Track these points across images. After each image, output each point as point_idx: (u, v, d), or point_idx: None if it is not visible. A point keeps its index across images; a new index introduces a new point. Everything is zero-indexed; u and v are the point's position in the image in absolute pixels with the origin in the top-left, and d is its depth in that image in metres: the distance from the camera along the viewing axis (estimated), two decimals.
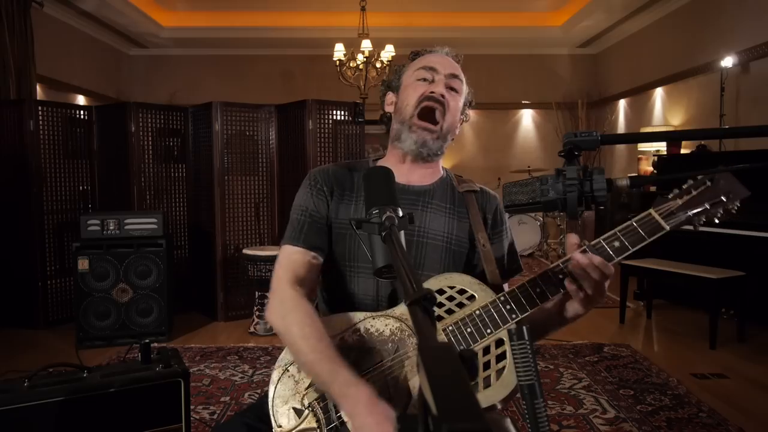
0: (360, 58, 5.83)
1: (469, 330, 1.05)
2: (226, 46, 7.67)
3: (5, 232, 3.99)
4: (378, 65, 5.92)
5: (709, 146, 4.95)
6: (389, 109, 1.33)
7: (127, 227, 3.53)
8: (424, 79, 1.26)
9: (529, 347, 0.93)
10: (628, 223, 1.00)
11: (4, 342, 3.64)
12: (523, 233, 6.84)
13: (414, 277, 0.62)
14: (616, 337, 3.63)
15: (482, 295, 1.09)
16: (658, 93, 6.35)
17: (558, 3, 6.96)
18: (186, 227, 4.44)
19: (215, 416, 2.51)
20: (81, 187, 4.21)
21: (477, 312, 1.06)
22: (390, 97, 1.34)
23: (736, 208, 0.99)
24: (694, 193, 0.99)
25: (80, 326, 3.44)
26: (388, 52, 5.84)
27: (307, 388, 1.10)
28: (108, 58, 7.40)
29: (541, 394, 0.92)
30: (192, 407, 2.32)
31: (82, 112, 4.31)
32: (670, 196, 1.01)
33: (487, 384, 1.00)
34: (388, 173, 0.92)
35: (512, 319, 1.03)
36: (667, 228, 0.99)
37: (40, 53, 5.27)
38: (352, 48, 5.81)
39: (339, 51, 5.73)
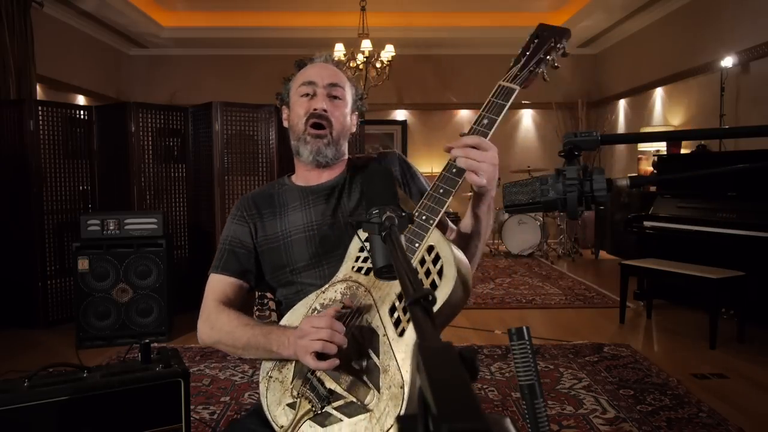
0: (360, 58, 5.83)
1: None
2: (226, 46, 7.67)
3: (5, 232, 3.99)
4: (378, 65, 5.91)
5: (709, 146, 4.95)
6: (285, 124, 1.44)
7: (127, 227, 3.53)
8: (306, 94, 1.34)
9: (529, 347, 0.93)
10: (488, 100, 1.14)
11: (4, 342, 3.64)
12: (523, 233, 6.83)
13: (414, 276, 0.62)
14: (616, 337, 3.63)
15: None
16: (658, 93, 6.35)
17: (558, 3, 6.96)
18: (186, 227, 4.43)
19: (215, 416, 2.52)
20: (81, 187, 4.21)
21: None
22: (285, 111, 1.44)
23: (565, 48, 1.16)
24: (527, 53, 1.15)
25: (80, 326, 3.44)
26: (388, 52, 5.84)
27: (292, 381, 1.13)
28: (108, 58, 7.40)
29: (541, 394, 0.92)
30: (192, 407, 2.32)
31: (82, 112, 4.30)
32: (511, 64, 1.15)
33: (435, 286, 1.06)
34: (388, 173, 0.93)
35: (431, 225, 1.09)
36: (517, 87, 1.13)
37: (40, 53, 5.27)
38: (352, 48, 5.80)
39: (339, 51, 5.73)
